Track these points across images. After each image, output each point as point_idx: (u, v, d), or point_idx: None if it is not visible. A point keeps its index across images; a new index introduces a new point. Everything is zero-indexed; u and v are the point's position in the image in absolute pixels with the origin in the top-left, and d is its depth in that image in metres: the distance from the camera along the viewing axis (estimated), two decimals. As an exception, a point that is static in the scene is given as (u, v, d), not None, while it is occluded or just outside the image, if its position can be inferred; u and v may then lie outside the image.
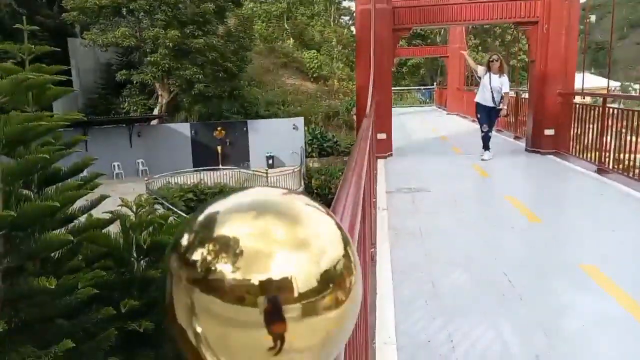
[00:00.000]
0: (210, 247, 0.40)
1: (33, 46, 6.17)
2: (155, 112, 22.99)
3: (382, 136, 9.70)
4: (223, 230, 0.40)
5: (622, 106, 8.71)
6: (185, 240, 0.42)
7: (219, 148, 23.89)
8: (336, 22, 46.11)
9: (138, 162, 20.41)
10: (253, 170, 22.19)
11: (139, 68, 21.57)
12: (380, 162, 9.34)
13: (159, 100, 23.29)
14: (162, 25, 20.32)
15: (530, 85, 10.02)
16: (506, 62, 9.90)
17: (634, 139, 6.68)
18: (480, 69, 9.06)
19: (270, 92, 33.42)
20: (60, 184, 5.60)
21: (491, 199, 6.22)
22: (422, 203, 6.15)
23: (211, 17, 21.88)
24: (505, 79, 8.63)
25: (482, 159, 8.70)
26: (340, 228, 0.44)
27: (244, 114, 27.34)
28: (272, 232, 0.40)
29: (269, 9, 49.61)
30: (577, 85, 11.14)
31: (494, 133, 13.29)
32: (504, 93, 8.59)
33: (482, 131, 8.96)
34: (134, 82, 21.78)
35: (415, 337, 3.01)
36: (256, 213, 0.41)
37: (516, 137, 11.64)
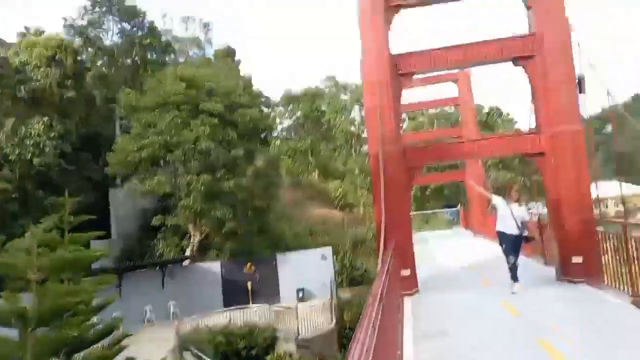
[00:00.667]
0: None
1: (72, 217, 6.85)
2: (187, 252, 23.64)
3: (405, 273, 9.69)
4: None
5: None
6: None
7: (249, 284, 23.85)
8: (357, 151, 48.45)
9: (170, 305, 20.46)
10: (283, 307, 21.82)
11: (173, 212, 22.77)
12: (407, 302, 9.17)
13: (191, 240, 24.09)
14: (195, 172, 21.89)
15: (549, 212, 10.09)
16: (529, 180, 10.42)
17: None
18: (497, 200, 9.14)
19: (298, 224, 34.19)
20: (86, 350, 5.75)
21: (522, 344, 5.93)
22: (451, 350, 5.94)
23: (241, 161, 23.52)
24: (524, 209, 8.86)
25: (513, 292, 8.47)
26: None
27: (273, 248, 27.69)
28: None
29: (294, 145, 53.17)
30: (605, 192, 11.16)
31: (523, 258, 13.13)
32: (525, 221, 8.74)
33: (508, 262, 8.76)
34: (168, 225, 22.84)
35: None
36: None
37: (546, 263, 11.38)
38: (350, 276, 25.29)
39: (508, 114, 57.80)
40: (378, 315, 2.94)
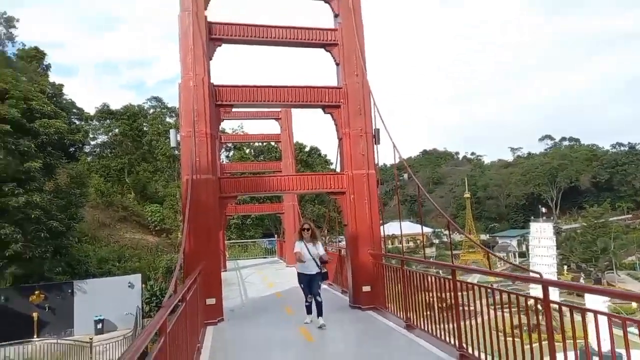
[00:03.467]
0: None
1: None
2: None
3: (211, 301, 9.57)
4: None
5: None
6: None
7: (34, 315, 20.69)
8: (179, 176, 47.10)
9: None
10: (74, 340, 19.39)
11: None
12: (209, 330, 9.06)
13: (-40, 264, 19.97)
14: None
15: (347, 245, 11.15)
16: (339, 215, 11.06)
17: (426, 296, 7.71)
18: (297, 245, 8.89)
19: (104, 248, 31.17)
20: None
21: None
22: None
23: (36, 175, 20.60)
24: (319, 244, 8.94)
25: (305, 322, 8.96)
26: None
27: (70, 274, 24.69)
28: None
29: (108, 163, 48.85)
30: (401, 231, 12.80)
31: (324, 287, 14.16)
32: (322, 255, 8.84)
33: (307, 301, 8.99)
34: None
35: None
36: None
37: (343, 292, 12.45)
38: (160, 305, 23.81)
39: (326, 155, 62.94)
40: (142, 346, 2.84)
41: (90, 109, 51.77)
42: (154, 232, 40.87)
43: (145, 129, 51.90)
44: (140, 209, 42.80)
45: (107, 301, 21.66)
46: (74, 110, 37.22)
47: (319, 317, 8.69)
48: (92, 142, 51.17)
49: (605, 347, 4.21)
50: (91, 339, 19.05)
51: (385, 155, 11.13)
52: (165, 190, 46.39)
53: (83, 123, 46.02)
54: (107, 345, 18.75)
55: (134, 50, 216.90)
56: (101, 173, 45.94)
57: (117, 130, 50.51)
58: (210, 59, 10.14)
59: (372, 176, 10.71)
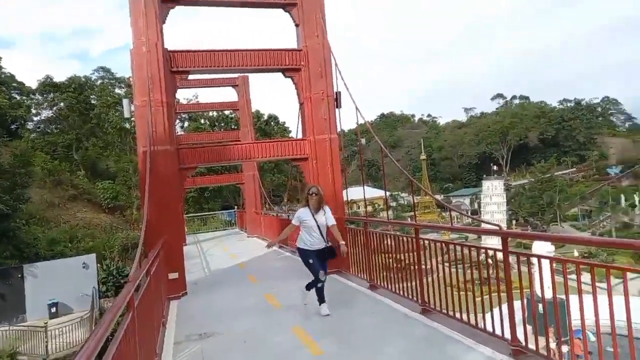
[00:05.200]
0: None
1: None
2: None
3: (173, 276, 9.41)
4: None
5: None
6: None
7: (-17, 302, 19.86)
8: (132, 150, 45.42)
9: None
10: (28, 325, 18.78)
11: None
12: (174, 304, 8.95)
13: None
14: None
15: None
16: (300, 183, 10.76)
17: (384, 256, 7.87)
18: (299, 214, 7.24)
19: (55, 230, 29.90)
20: None
21: (280, 334, 6.40)
22: (212, 350, 5.99)
23: (-25, 154, 19.30)
24: (327, 208, 7.29)
25: (322, 314, 7.06)
26: None
27: (19, 257, 23.70)
28: None
29: (54, 139, 46.28)
30: (358, 196, 12.96)
31: (287, 254, 14.25)
32: (332, 225, 7.18)
33: (319, 280, 7.03)
34: None
35: None
36: None
37: (306, 258, 12.53)
38: (118, 283, 23.32)
39: (284, 123, 62.29)
40: (111, 322, 2.74)
41: (32, 82, 48.48)
42: (107, 210, 39.58)
43: (93, 101, 49.26)
44: (91, 186, 41.17)
45: (60, 284, 20.99)
46: (14, 85, 34.81)
47: (322, 304, 7.17)
48: (36, 118, 48.27)
49: (550, 294, 4.45)
50: (46, 323, 18.48)
51: (344, 120, 11.03)
52: (117, 166, 44.72)
53: (25, 98, 43.29)
54: (63, 328, 18.26)
55: (76, 18, 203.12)
56: (47, 150, 43.52)
57: (62, 104, 47.67)
58: (164, 23, 9.60)
59: (335, 140, 10.65)
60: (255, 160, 13.99)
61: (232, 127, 45.65)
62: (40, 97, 47.80)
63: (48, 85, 47.43)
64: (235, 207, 34.41)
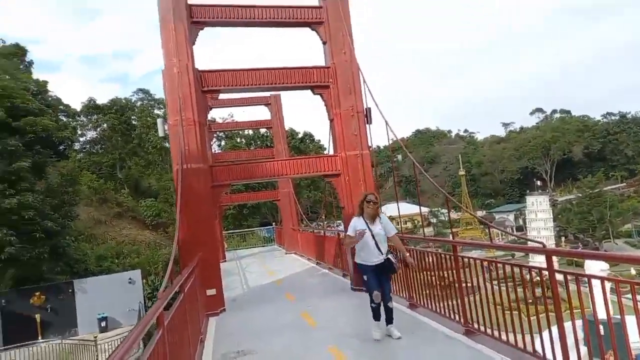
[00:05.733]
0: None
1: None
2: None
3: (211, 292, 9.46)
4: None
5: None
6: None
7: (37, 317, 20.58)
8: (172, 169, 46.82)
9: None
10: (80, 339, 19.30)
11: None
12: (213, 320, 8.98)
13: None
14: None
15: (345, 228, 11.02)
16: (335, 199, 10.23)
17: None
18: (354, 224, 6.54)
19: (102, 246, 30.96)
20: None
21: (316, 353, 6.26)
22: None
23: (27, 175, 20.27)
24: (385, 217, 6.70)
25: (375, 339, 6.51)
26: None
27: (69, 273, 24.53)
28: None
29: (99, 159, 48.28)
30: (398, 211, 12.73)
31: (325, 271, 14.11)
32: (393, 235, 6.61)
33: (373, 302, 6.32)
34: None
35: None
36: None
37: (344, 275, 12.38)
38: (159, 299, 23.75)
39: (319, 140, 62.61)
40: (135, 341, 2.71)
41: (76, 104, 51.03)
42: (151, 227, 40.65)
43: (134, 122, 51.22)
44: (135, 204, 42.48)
45: (108, 298, 21.53)
46: (61, 107, 36.56)
47: (389, 325, 6.58)
48: (82, 139, 50.54)
49: (608, 314, 4.12)
50: (96, 337, 18.97)
51: (378, 136, 10.89)
52: (159, 184, 46.03)
53: (70, 120, 45.50)
54: (112, 342, 18.70)
55: (116, 42, 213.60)
56: (92, 170, 45.45)
57: (105, 125, 49.82)
58: (193, 44, 9.87)
59: (366, 156, 10.54)
60: (287, 177, 14.04)
61: (268, 144, 46.27)
62: (84, 119, 50.17)
63: (91, 108, 49.77)
64: (274, 223, 34.61)
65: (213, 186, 10.00)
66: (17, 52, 30.62)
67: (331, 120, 10.87)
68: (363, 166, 10.40)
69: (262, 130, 48.68)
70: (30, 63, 32.57)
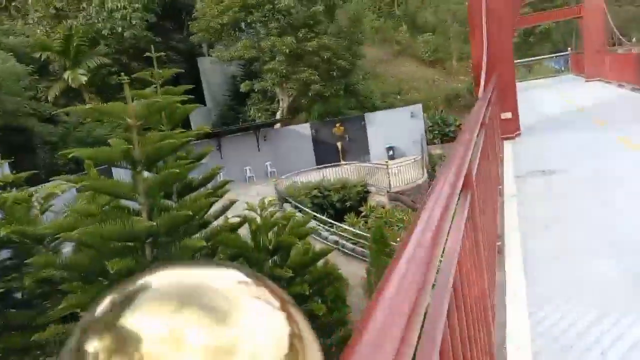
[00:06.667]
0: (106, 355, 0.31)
1: (161, 71, 6.89)
2: (278, 116, 24.23)
3: (506, 115, 8.94)
4: (125, 330, 0.32)
5: None
6: (79, 339, 0.33)
7: (339, 144, 24.32)
8: (452, -1, 43.86)
9: (266, 165, 21.68)
10: (374, 164, 22.15)
11: (259, 77, 22.91)
12: (508, 144, 8.63)
13: (280, 104, 24.50)
14: (277, 33, 21.29)
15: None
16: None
17: None
18: None
19: (385, 83, 33.10)
20: (193, 194, 6.19)
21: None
22: (558, 186, 5.50)
23: (321, 18, 22.31)
24: None
25: None
26: (289, 319, 0.35)
27: (360, 108, 27.49)
28: (188, 336, 0.31)
29: (379, -4, 48.97)
30: None
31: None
32: None
33: None
34: (256, 90, 23.20)
35: (555, 342, 2.67)
36: (172, 307, 0.32)
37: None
38: (442, 132, 24.60)
39: None
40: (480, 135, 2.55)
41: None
42: (428, 63, 40.82)
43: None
44: (412, 41, 42.81)
45: (393, 131, 23.52)
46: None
47: None
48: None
49: None
50: (386, 162, 21.40)
51: None
52: (436, 18, 44.55)
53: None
54: (400, 167, 20.84)
55: None
56: (372, 9, 46.86)
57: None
58: None
59: None
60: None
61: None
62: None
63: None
64: (569, 49, 29.81)
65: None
66: None
67: None
68: None
69: None
70: None
